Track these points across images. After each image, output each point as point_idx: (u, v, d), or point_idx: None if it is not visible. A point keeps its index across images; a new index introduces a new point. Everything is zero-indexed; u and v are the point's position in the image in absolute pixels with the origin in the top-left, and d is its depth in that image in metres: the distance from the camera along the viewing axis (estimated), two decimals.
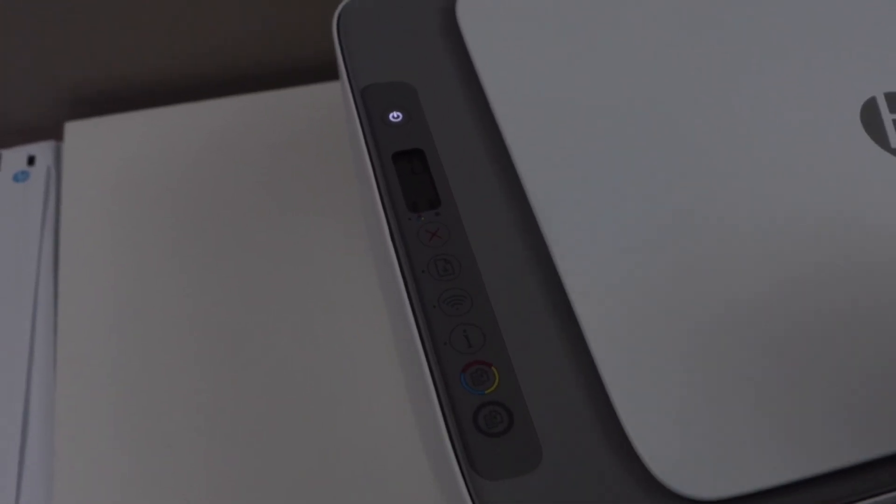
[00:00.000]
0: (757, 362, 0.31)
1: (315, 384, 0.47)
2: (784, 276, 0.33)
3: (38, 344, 0.50)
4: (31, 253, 0.53)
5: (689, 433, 0.30)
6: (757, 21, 0.41)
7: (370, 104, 0.39)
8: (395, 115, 0.39)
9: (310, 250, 0.52)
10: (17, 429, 0.46)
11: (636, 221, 0.34)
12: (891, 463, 0.30)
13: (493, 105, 0.38)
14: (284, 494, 0.44)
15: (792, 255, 0.34)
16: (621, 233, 0.34)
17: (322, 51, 0.63)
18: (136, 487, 0.44)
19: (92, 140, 0.58)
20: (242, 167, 0.56)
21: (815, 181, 0.36)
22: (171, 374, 0.48)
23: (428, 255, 0.34)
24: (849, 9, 0.42)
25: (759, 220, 0.35)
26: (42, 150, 0.59)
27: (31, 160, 0.58)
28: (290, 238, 0.53)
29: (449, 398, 0.31)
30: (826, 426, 0.30)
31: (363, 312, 0.49)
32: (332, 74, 0.43)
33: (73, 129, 0.59)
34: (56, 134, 0.60)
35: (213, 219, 0.54)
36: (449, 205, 0.36)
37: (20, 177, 0.57)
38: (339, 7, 0.42)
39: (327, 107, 0.59)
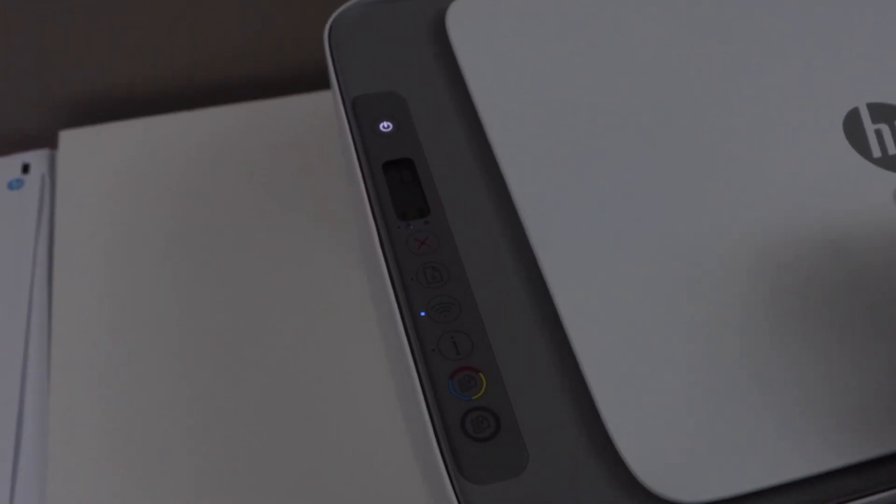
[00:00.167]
0: (741, 368, 0.32)
1: (308, 388, 0.47)
2: (766, 282, 0.34)
3: (33, 350, 0.50)
4: (25, 260, 0.53)
5: (674, 437, 0.30)
6: (742, 31, 0.42)
7: (361, 114, 0.40)
8: (385, 125, 0.39)
9: (303, 257, 0.53)
10: (11, 434, 0.47)
11: (623, 229, 0.35)
12: (871, 468, 0.30)
13: (482, 115, 0.39)
14: (277, 497, 0.44)
15: (774, 262, 0.34)
16: (608, 241, 0.35)
17: (316, 60, 0.63)
18: (129, 492, 0.44)
19: (87, 148, 0.58)
20: (236, 175, 0.57)
21: (798, 190, 0.36)
22: (165, 380, 0.48)
23: (417, 263, 0.35)
24: (832, 20, 0.42)
25: (742, 228, 0.35)
26: (37, 158, 0.59)
27: (25, 168, 0.58)
28: (285, 246, 0.53)
29: (437, 403, 0.32)
30: (811, 430, 0.30)
31: (356, 318, 0.50)
32: (326, 83, 0.43)
33: (67, 137, 0.59)
34: (51, 142, 0.60)
35: (207, 226, 0.54)
36: (438, 213, 0.36)
37: (15, 184, 0.57)
38: (331, 18, 0.43)
39: (322, 115, 0.59)
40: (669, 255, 0.34)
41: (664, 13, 0.42)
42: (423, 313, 0.34)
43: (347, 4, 0.43)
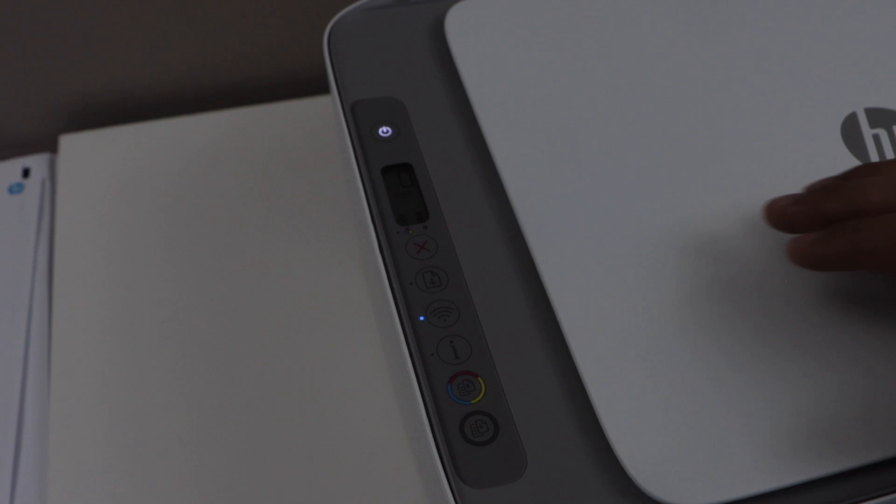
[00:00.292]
0: (741, 372, 0.32)
1: (308, 392, 0.47)
2: (767, 286, 0.34)
3: (33, 353, 0.50)
4: (26, 264, 0.54)
5: (672, 443, 0.30)
6: (741, 37, 0.42)
7: (360, 119, 0.40)
8: (384, 130, 0.39)
9: (302, 261, 0.53)
10: (12, 437, 0.47)
11: (621, 235, 0.35)
12: (870, 471, 0.30)
13: (481, 120, 0.39)
14: (277, 500, 0.44)
15: (774, 266, 0.34)
16: (606, 246, 0.35)
17: (314, 65, 0.63)
18: (129, 495, 0.44)
19: (87, 152, 0.59)
20: (235, 179, 0.57)
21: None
22: (164, 384, 0.48)
23: (416, 267, 0.35)
24: (831, 26, 0.42)
25: (741, 233, 0.35)
26: (37, 162, 0.59)
27: (26, 172, 0.58)
28: (283, 249, 0.53)
29: (436, 408, 0.32)
30: (808, 435, 0.30)
31: (355, 322, 0.50)
32: (324, 88, 0.43)
33: (67, 141, 0.59)
34: (51, 146, 0.60)
35: (206, 230, 0.54)
36: (437, 218, 0.37)
37: (15, 189, 0.58)
38: (330, 23, 0.43)
39: (319, 120, 0.59)
40: (668, 260, 0.34)
41: (663, 20, 0.42)
42: (422, 318, 0.34)
43: (347, 9, 0.43)
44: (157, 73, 0.63)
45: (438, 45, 0.42)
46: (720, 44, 0.42)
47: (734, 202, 0.36)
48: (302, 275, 0.52)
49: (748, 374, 0.32)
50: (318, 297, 0.51)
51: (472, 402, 0.32)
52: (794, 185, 0.36)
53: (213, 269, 0.53)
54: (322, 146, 0.58)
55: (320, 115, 0.59)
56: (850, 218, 0.31)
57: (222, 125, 0.60)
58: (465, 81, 0.40)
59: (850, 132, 0.38)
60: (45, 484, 0.45)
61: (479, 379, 0.32)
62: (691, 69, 0.41)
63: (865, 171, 0.33)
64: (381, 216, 0.37)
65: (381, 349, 0.48)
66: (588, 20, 0.42)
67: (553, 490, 0.30)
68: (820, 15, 0.43)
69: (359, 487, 0.44)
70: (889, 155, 0.38)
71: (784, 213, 0.33)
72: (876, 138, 0.38)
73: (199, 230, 0.54)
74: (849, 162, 0.37)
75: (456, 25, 0.42)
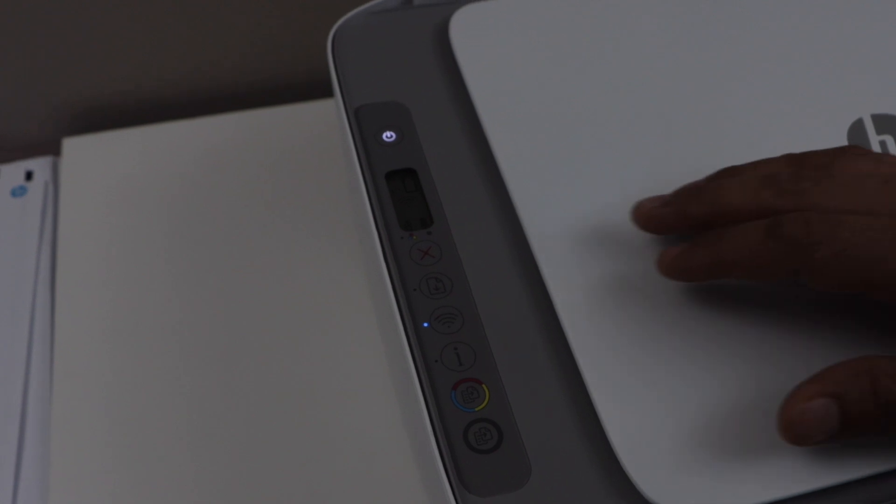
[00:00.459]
0: (747, 382, 0.31)
1: (310, 397, 0.47)
2: (774, 290, 0.34)
3: (35, 356, 0.50)
4: (28, 267, 0.54)
5: (678, 451, 0.30)
6: (747, 41, 0.42)
7: (364, 124, 0.40)
8: (388, 135, 0.39)
9: (305, 265, 0.53)
10: (14, 439, 0.47)
11: (626, 242, 0.35)
12: (876, 482, 0.30)
13: (485, 125, 0.39)
14: None
15: None
16: (611, 252, 0.35)
17: (318, 69, 0.63)
18: (131, 497, 0.44)
19: (89, 155, 0.59)
20: (238, 183, 0.57)
21: None
22: (167, 386, 0.48)
23: (420, 273, 0.35)
24: (838, 31, 0.42)
25: None
26: (40, 165, 0.59)
27: (28, 175, 0.58)
28: (287, 254, 0.53)
29: (439, 415, 0.31)
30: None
31: (359, 328, 0.50)
32: (327, 92, 0.43)
33: (70, 144, 0.59)
34: (54, 149, 0.60)
35: (209, 234, 0.54)
36: (441, 224, 0.36)
37: (18, 192, 0.58)
38: (334, 27, 0.43)
39: (323, 123, 0.59)
40: None
41: (667, 24, 0.42)
42: (425, 324, 0.34)
43: (351, 13, 0.43)
44: (160, 76, 0.63)
45: (443, 50, 0.42)
46: (725, 48, 0.41)
47: None
48: (305, 279, 0.52)
49: (755, 382, 0.31)
50: (322, 301, 0.51)
51: (476, 409, 0.32)
52: None
53: (216, 273, 0.53)
54: (326, 150, 0.58)
55: (324, 119, 0.59)
56: (714, 219, 0.32)
57: (226, 129, 0.60)
58: (469, 86, 0.40)
59: (857, 138, 0.38)
60: (48, 485, 0.45)
61: (483, 386, 0.32)
62: (697, 74, 0.40)
63: (728, 173, 0.34)
64: (385, 221, 0.36)
65: (385, 355, 0.48)
66: (593, 25, 0.42)
67: (557, 498, 0.30)
68: (827, 20, 0.43)
69: (360, 492, 0.44)
70: None
71: (651, 216, 0.34)
72: (883, 145, 0.38)
73: (202, 233, 0.54)
74: None
75: (460, 30, 0.42)
